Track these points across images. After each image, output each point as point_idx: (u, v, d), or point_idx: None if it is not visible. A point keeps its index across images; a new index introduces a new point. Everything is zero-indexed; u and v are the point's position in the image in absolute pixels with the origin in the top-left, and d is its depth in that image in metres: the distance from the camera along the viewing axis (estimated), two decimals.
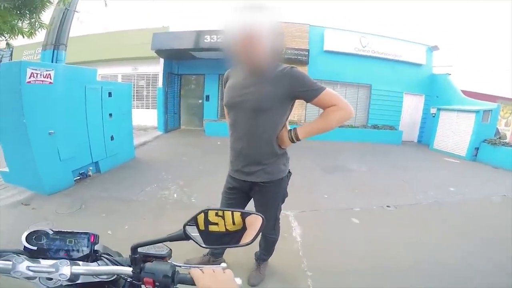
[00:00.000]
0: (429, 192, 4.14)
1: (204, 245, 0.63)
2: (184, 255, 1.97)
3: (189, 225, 0.63)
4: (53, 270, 0.56)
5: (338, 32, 8.98)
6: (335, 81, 8.93)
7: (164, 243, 0.65)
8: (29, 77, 2.95)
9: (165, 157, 5.58)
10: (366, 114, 9.64)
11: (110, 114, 4.32)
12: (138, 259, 0.61)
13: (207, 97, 9.57)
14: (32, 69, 2.97)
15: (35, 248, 0.62)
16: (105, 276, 0.63)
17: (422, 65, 9.71)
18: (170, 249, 0.66)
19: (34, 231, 0.63)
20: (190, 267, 0.59)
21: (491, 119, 7.37)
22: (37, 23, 3.63)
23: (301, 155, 5.57)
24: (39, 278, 0.58)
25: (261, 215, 0.64)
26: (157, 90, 8.97)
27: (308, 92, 1.30)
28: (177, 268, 0.61)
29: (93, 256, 0.65)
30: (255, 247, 1.93)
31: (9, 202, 2.96)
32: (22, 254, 0.59)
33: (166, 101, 8.80)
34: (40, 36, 4.03)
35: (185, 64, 9.28)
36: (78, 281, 0.61)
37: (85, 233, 0.65)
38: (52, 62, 4.13)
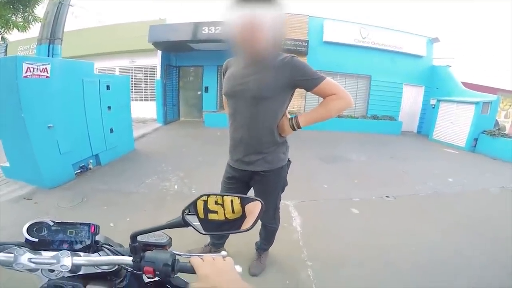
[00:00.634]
0: (428, 183, 4.16)
1: (203, 232, 0.63)
2: (185, 246, 1.99)
3: (189, 214, 0.63)
4: (55, 261, 0.56)
5: (337, 23, 8.86)
6: (334, 72, 8.85)
7: (164, 232, 0.64)
8: (26, 72, 2.93)
9: (164, 149, 5.59)
10: (366, 105, 9.62)
11: (109, 107, 4.30)
12: (138, 248, 0.61)
13: (206, 89, 9.51)
14: (28, 63, 2.94)
15: (36, 240, 0.62)
16: (106, 267, 0.63)
17: (423, 57, 9.64)
18: (170, 238, 0.66)
19: (35, 222, 0.63)
20: (190, 255, 0.59)
21: (491, 110, 7.35)
22: (30, 16, 3.58)
23: (301, 145, 5.57)
24: (41, 270, 0.59)
25: (260, 200, 0.64)
26: (156, 82, 8.91)
27: (309, 81, 1.30)
28: (177, 257, 0.61)
29: (94, 247, 0.65)
30: (256, 237, 1.95)
31: (11, 197, 2.97)
32: (23, 247, 0.60)
33: (164, 93, 8.76)
34: (35, 31, 3.99)
35: (183, 56, 9.18)
36: (80, 272, 0.62)
37: (86, 224, 0.65)
38: (47, 56, 4.08)
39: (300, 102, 8.98)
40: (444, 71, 9.36)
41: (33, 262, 0.56)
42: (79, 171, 3.75)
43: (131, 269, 0.61)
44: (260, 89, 1.30)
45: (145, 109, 9.49)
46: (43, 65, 3.09)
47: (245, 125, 1.40)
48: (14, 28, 3.43)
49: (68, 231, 0.64)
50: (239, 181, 1.58)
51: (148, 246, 0.62)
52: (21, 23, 3.49)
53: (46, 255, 0.59)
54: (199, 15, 7.54)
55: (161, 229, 0.62)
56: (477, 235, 2.65)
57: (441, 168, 5.17)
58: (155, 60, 8.81)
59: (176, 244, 0.66)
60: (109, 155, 4.39)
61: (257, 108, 1.34)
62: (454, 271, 2.08)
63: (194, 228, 0.62)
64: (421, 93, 9.93)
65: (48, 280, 0.59)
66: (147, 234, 0.63)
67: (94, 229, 0.66)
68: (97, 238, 0.67)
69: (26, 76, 2.93)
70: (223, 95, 1.51)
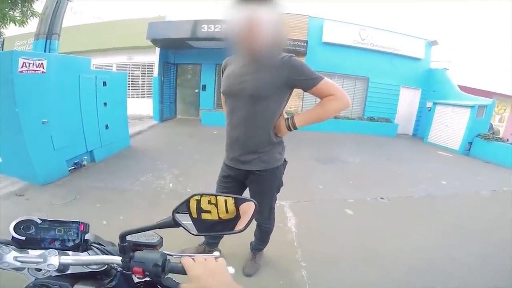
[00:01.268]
0: (422, 185, 4.19)
1: (194, 233, 0.62)
2: (179, 246, 1.97)
3: (181, 212, 0.61)
4: (41, 260, 0.55)
5: (337, 24, 8.88)
6: (332, 72, 8.87)
7: (155, 231, 0.63)
8: (21, 67, 2.89)
9: (160, 147, 5.55)
10: (363, 106, 9.66)
11: (105, 103, 4.26)
12: (127, 247, 0.60)
13: (204, 87, 9.47)
14: (24, 58, 2.91)
15: (23, 238, 0.61)
16: (95, 266, 0.62)
17: (421, 60, 9.69)
18: (161, 238, 0.65)
19: (22, 220, 0.62)
20: (181, 255, 0.58)
21: (486, 114, 7.42)
22: (29, 11, 3.54)
23: (297, 146, 5.58)
24: (28, 269, 0.57)
25: (253, 200, 0.63)
26: (153, 79, 8.85)
27: (307, 81, 1.29)
28: (168, 257, 0.60)
29: (83, 246, 0.64)
30: (250, 237, 1.94)
31: (2, 193, 2.91)
32: (10, 245, 0.58)
33: (161, 90, 8.71)
34: (32, 26, 3.94)
35: (182, 54, 9.14)
36: (68, 272, 0.60)
37: (75, 222, 0.64)
38: (44, 52, 4.04)
39: (297, 102, 8.99)
40: (441, 74, 9.42)
41: (19, 261, 0.55)
42: (73, 167, 3.70)
43: (121, 269, 0.60)
44: (257, 88, 1.30)
45: (142, 106, 9.42)
46: (39, 60, 3.05)
47: (242, 124, 1.39)
48: (11, 22, 3.39)
49: (57, 229, 0.63)
50: (234, 180, 1.58)
51: (138, 246, 0.61)
52: (19, 18, 3.45)
53: (33, 253, 0.57)
54: (199, 13, 7.50)
55: (151, 229, 0.61)
56: (469, 237, 2.68)
57: (435, 170, 5.21)
58: (153, 57, 8.75)
59: (169, 243, 0.65)
60: (104, 151, 4.35)
61: (254, 107, 1.33)
62: (446, 272, 2.10)
63: (185, 229, 0.61)
64: (418, 96, 9.99)
65: (35, 279, 0.58)
66: (137, 233, 0.61)
67: (83, 227, 0.64)
68: (87, 236, 0.65)
69: (21, 71, 2.90)
70: (221, 94, 1.51)
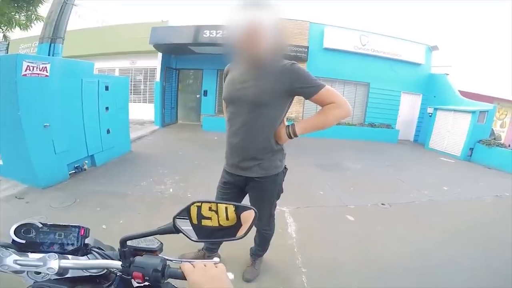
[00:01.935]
0: (423, 191, 4.17)
1: (194, 239, 0.62)
2: (179, 250, 1.97)
3: (182, 218, 0.62)
4: (41, 263, 0.55)
5: (338, 30, 8.93)
6: (333, 78, 8.91)
7: (155, 237, 0.64)
8: (25, 70, 2.92)
9: (161, 152, 5.56)
10: (364, 112, 9.65)
11: (107, 108, 4.29)
12: (127, 252, 0.60)
13: (205, 92, 9.51)
14: (28, 62, 2.94)
15: (23, 241, 0.61)
16: (95, 270, 0.62)
17: (421, 65, 9.71)
18: (161, 243, 0.65)
19: (23, 224, 0.62)
20: (181, 261, 0.58)
21: (487, 120, 7.41)
22: (33, 15, 3.60)
23: (298, 151, 5.58)
24: (27, 272, 0.57)
25: (254, 208, 0.64)
26: (155, 84, 8.89)
27: (308, 89, 1.29)
28: (168, 263, 0.60)
29: (83, 250, 0.64)
30: (250, 242, 1.93)
31: (2, 196, 2.92)
32: (10, 248, 0.58)
33: (163, 95, 8.74)
34: (37, 29, 4.00)
35: (184, 59, 9.20)
36: (68, 275, 0.60)
37: (75, 226, 0.64)
38: (48, 55, 4.07)
39: (298, 108, 9.00)
40: (442, 79, 9.42)
41: (19, 264, 0.55)
42: (74, 171, 3.71)
43: (120, 273, 0.60)
44: (258, 95, 1.30)
45: (143, 111, 9.44)
46: (43, 64, 3.09)
47: (242, 130, 1.39)
48: (17, 26, 3.45)
49: (57, 233, 0.63)
50: (234, 186, 1.57)
51: (138, 251, 0.62)
52: (24, 22, 3.51)
53: (33, 257, 0.57)
54: (201, 19, 7.60)
55: (151, 235, 0.61)
56: (471, 242, 2.66)
57: (437, 176, 5.19)
58: (155, 62, 8.81)
59: (169, 248, 0.66)
60: (105, 156, 4.36)
61: (255, 114, 1.33)
62: (447, 278, 2.08)
63: (186, 235, 0.62)
64: (419, 102, 9.98)
65: (34, 283, 0.58)
66: (137, 239, 0.62)
67: (84, 232, 0.64)
68: (87, 241, 0.66)
69: (25, 75, 2.92)
70: (222, 100, 1.51)
